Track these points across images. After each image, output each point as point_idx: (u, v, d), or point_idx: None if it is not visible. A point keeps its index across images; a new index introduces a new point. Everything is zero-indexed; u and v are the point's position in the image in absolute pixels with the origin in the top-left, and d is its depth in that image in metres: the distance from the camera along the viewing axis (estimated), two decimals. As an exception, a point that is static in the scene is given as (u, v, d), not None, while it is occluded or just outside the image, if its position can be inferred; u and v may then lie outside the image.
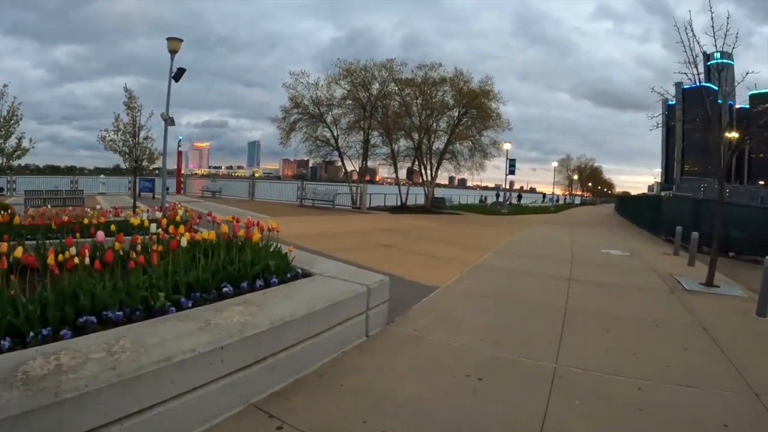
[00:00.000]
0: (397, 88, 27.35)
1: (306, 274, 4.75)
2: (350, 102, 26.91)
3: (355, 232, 12.96)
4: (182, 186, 31.64)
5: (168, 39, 14.30)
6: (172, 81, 14.64)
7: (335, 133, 27.05)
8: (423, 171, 30.04)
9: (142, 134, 12.80)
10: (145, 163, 13.39)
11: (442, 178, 36.03)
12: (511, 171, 34.16)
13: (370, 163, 30.36)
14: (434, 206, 29.04)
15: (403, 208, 27.00)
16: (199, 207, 18.50)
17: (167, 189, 30.92)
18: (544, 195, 72.39)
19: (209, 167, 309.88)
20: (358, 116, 27.29)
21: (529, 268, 8.80)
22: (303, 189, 25.11)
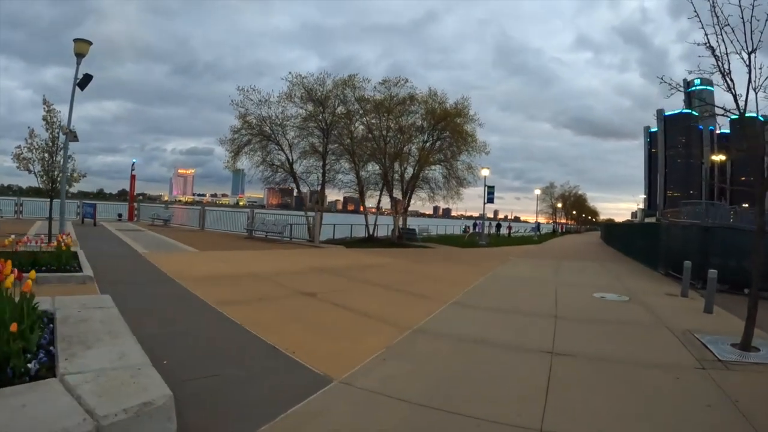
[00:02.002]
0: (359, 107, 25.38)
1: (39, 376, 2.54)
2: (308, 123, 24.79)
3: (281, 274, 10.61)
4: (135, 213, 29.74)
5: (75, 40, 12.58)
6: (77, 89, 12.81)
7: (290, 157, 24.80)
8: (392, 199, 28.00)
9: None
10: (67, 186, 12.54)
11: (426, 207, 34.45)
12: (490, 199, 32.42)
13: (342, 192, 28.47)
14: (406, 238, 26.98)
15: (369, 241, 25.00)
16: (128, 237, 16.72)
17: (120, 216, 29.58)
18: (538, 225, 71.24)
19: (194, 194, 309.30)
20: (315, 138, 25.16)
21: (492, 333, 6.46)
22: (252, 219, 22.68)
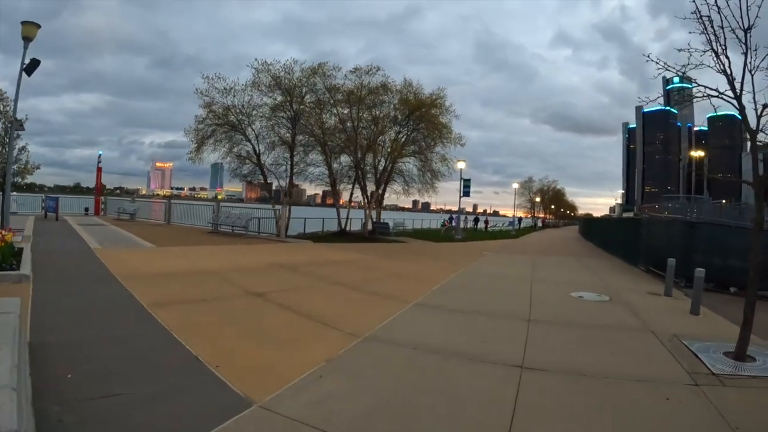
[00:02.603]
0: (330, 96, 24.36)
1: None
2: (277, 113, 23.81)
3: (235, 271, 9.74)
4: (102, 207, 28.53)
5: (23, 23, 11.55)
6: (24, 74, 11.76)
7: (257, 148, 23.70)
8: (363, 192, 27.16)
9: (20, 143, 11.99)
10: (17, 178, 12.45)
11: (405, 201, 33.79)
12: (466, 192, 31.75)
13: (314, 185, 27.70)
14: (378, 232, 26.23)
15: (341, 235, 24.22)
16: (86, 232, 15.84)
17: (86, 210, 28.28)
18: (520, 219, 71.32)
19: (171, 188, 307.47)
20: (283, 128, 24.12)
21: (456, 340, 5.68)
22: (218, 212, 21.57)
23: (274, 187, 26.28)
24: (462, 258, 15.68)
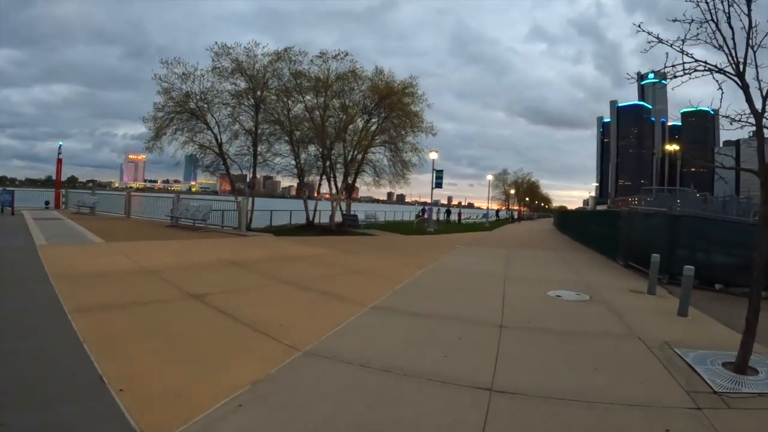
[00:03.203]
0: (296, 83, 23.31)
1: None
2: (240, 100, 22.78)
3: (181, 269, 8.89)
4: (63, 200, 27.28)
5: None
6: None
7: (219, 138, 22.55)
8: (331, 184, 26.34)
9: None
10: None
11: (380, 193, 33.13)
12: (438, 184, 31.17)
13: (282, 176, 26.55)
14: (347, 225, 25.44)
15: (308, 228, 23.34)
16: (37, 227, 14.72)
17: (47, 204, 26.81)
18: (498, 211, 71.41)
19: (145, 180, 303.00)
20: (246, 116, 23.09)
21: (413, 354, 4.87)
22: (176, 205, 20.38)
23: (248, 179, 25.29)
24: (432, 252, 14.94)
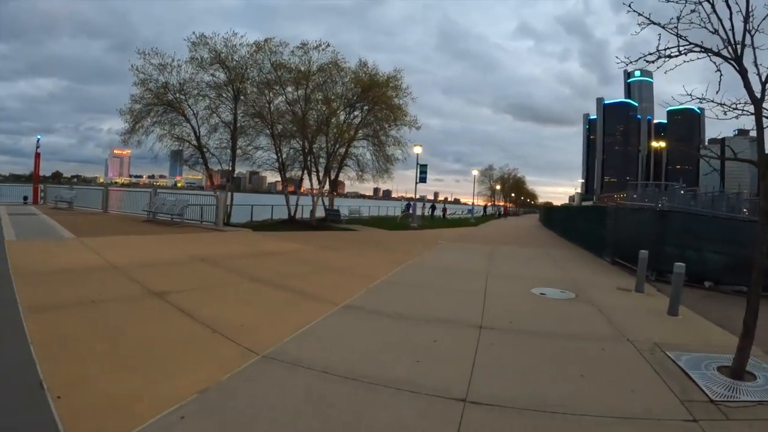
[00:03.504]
0: (276, 75, 22.71)
1: None
2: (219, 92, 22.08)
3: (149, 265, 8.49)
4: (41, 195, 26.34)
5: None
6: None
7: (198, 130, 21.89)
8: (313, 178, 25.89)
9: None
10: None
11: (366, 189, 32.91)
12: (422, 178, 30.74)
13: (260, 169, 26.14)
14: (329, 220, 25.00)
15: (289, 223, 22.86)
16: (10, 222, 14.23)
17: (25, 199, 26.06)
18: (485, 207, 71.42)
19: (130, 176, 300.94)
20: (225, 108, 22.45)
21: (382, 361, 4.50)
22: (153, 199, 19.77)
23: (235, 174, 24.77)
24: (413, 248, 14.55)
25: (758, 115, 4.51)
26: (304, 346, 4.60)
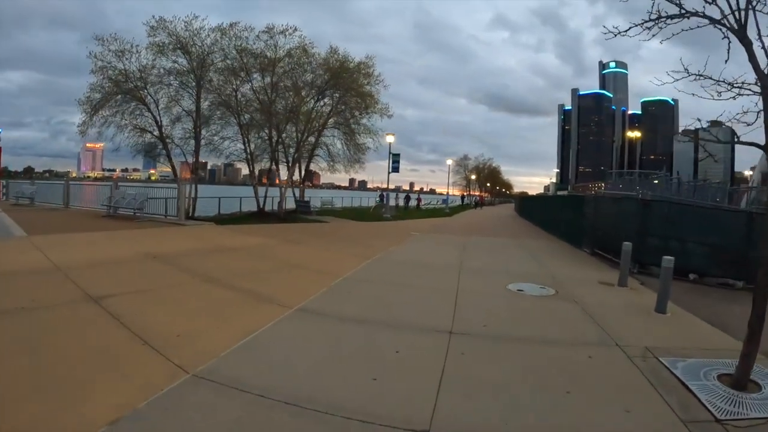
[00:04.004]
0: (242, 61, 21.78)
1: None
2: (183, 78, 20.99)
3: (95, 265, 7.77)
4: (2, 190, 25.44)
5: None
6: None
7: (159, 120, 20.83)
8: (282, 168, 25.31)
9: None
10: None
11: (341, 180, 32.40)
12: (395, 168, 30.15)
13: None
14: (299, 212, 24.29)
15: (257, 216, 22.01)
16: None
17: None
18: (464, 197, 71.34)
19: (103, 170, 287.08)
20: (188, 96, 21.47)
21: (334, 377, 3.90)
22: (113, 193, 18.76)
23: (209, 167, 23.98)
24: (383, 241, 13.93)
25: (765, 90, 4.01)
26: (243, 362, 3.96)
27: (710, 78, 4.36)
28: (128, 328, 4.65)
